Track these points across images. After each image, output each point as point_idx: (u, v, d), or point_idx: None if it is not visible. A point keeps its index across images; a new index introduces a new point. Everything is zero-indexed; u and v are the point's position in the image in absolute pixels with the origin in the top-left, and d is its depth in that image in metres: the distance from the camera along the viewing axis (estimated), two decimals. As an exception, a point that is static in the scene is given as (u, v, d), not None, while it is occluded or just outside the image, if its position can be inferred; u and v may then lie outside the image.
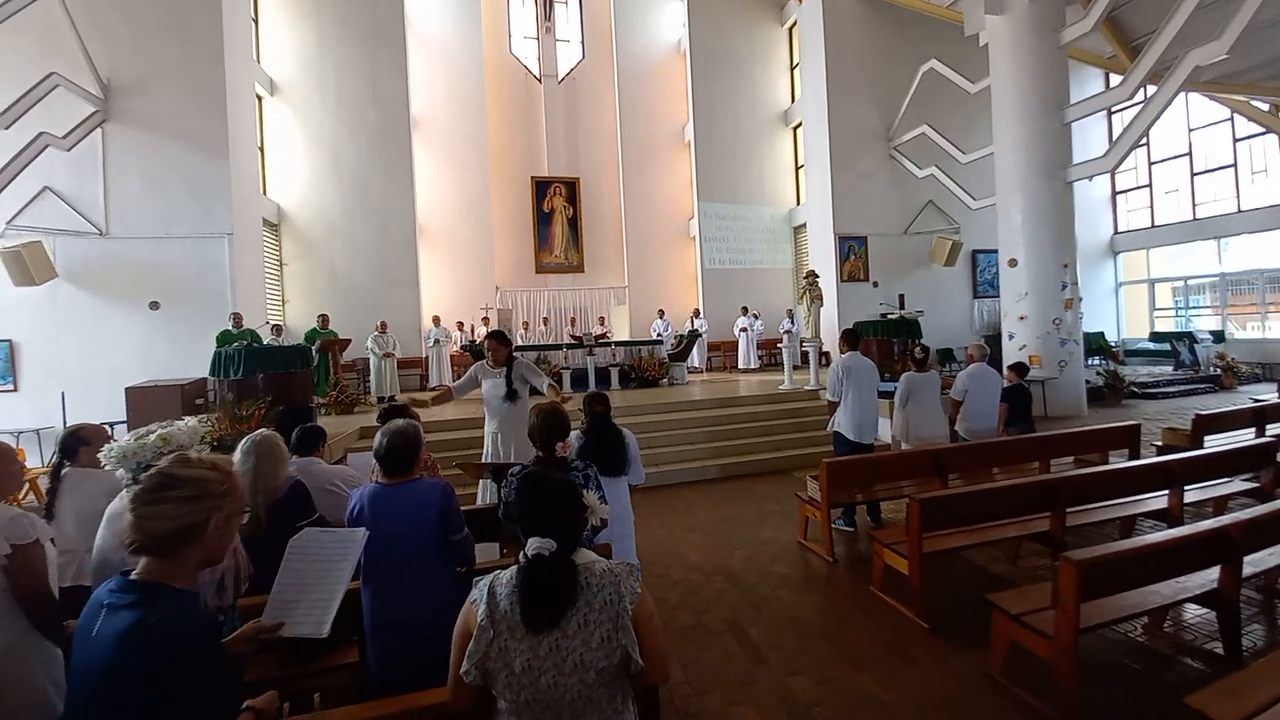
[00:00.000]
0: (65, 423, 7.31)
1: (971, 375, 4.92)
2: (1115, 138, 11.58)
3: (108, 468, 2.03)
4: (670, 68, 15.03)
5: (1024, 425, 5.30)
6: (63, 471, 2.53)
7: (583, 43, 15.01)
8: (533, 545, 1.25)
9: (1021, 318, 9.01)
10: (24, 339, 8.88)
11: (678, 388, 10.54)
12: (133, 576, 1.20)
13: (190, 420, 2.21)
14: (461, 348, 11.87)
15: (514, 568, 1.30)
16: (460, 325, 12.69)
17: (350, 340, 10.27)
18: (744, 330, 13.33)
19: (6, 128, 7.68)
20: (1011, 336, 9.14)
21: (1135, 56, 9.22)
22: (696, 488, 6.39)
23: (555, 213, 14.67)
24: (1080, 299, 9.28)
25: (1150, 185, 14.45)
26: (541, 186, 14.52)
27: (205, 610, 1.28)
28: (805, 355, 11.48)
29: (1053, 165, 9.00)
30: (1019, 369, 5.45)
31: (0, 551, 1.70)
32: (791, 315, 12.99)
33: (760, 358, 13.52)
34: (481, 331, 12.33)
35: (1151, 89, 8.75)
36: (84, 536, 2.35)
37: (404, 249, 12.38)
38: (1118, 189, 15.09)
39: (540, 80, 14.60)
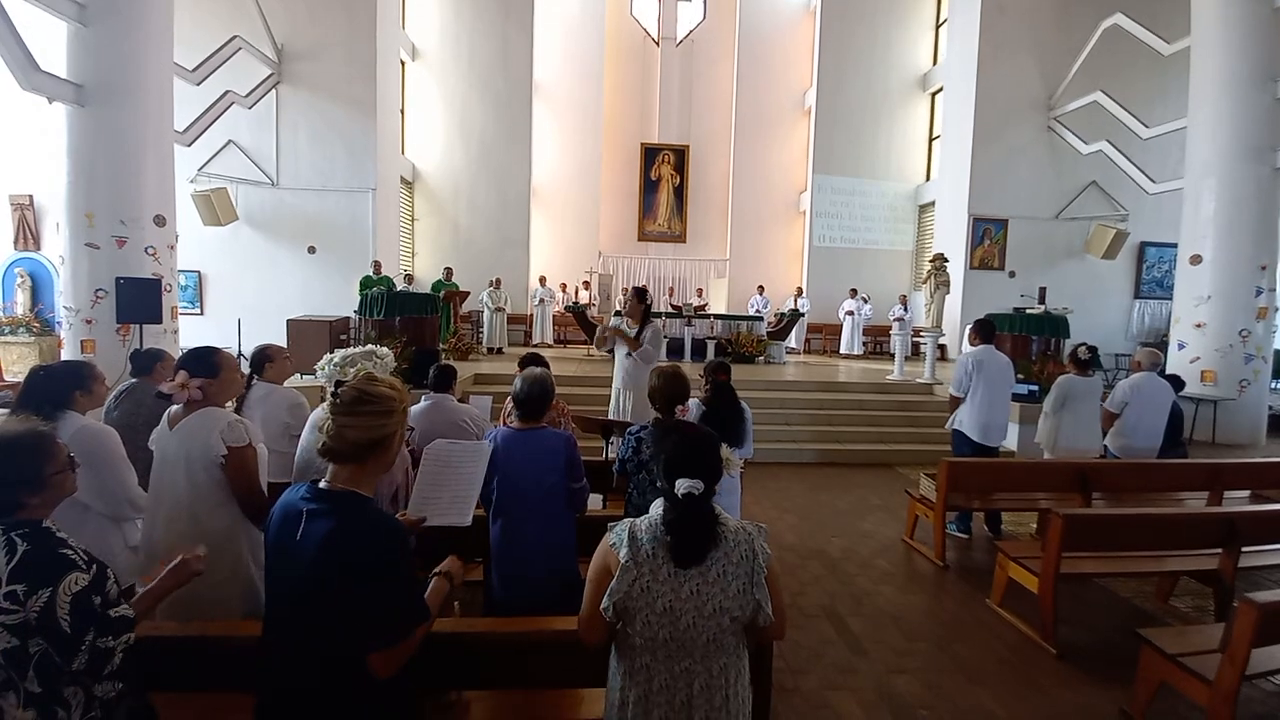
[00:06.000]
0: (240, 346, 8.53)
1: (1136, 386, 4.30)
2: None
3: (321, 382, 2.36)
4: (796, 28, 14.13)
5: (1176, 450, 4.60)
6: (252, 383, 2.94)
7: (705, 1, 14.47)
8: (683, 485, 1.32)
9: (1198, 325, 7.72)
10: (211, 272, 10.45)
11: (774, 366, 10.27)
12: (323, 485, 1.31)
13: (389, 353, 2.48)
14: (565, 308, 12.32)
15: (650, 514, 1.37)
16: (564, 287, 13.15)
17: (469, 293, 11.01)
18: (850, 314, 12.62)
19: (198, 84, 8.83)
20: (1182, 346, 7.89)
21: None
22: (792, 469, 6.26)
23: (662, 180, 14.56)
24: (1277, 309, 7.80)
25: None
26: (650, 153, 14.42)
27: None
28: (917, 346, 10.72)
29: (1260, 146, 7.54)
30: (1174, 383, 4.70)
31: (219, 452, 1.99)
32: (905, 301, 12.09)
33: (865, 344, 12.78)
34: (584, 295, 12.70)
35: None
36: (267, 440, 2.74)
37: (518, 211, 12.94)
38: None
39: (658, 43, 14.33)
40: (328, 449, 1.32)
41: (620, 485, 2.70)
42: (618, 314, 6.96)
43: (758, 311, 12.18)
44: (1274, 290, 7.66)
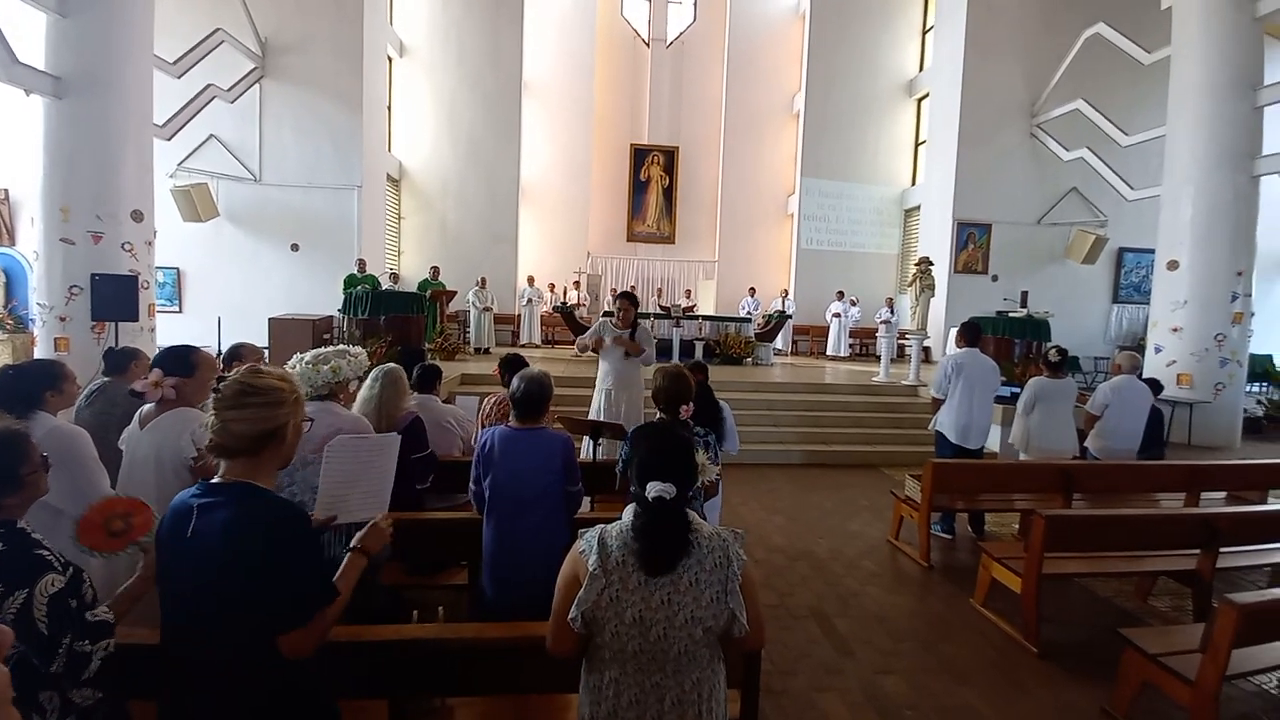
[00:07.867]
0: (220, 344, 8.35)
1: (1116, 389, 4.38)
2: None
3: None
4: (785, 32, 14.22)
5: (1154, 451, 4.69)
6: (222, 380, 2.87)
7: (695, 3, 14.51)
8: (654, 489, 1.26)
9: (1175, 329, 7.89)
10: (190, 269, 10.23)
11: (762, 368, 10.32)
12: (215, 480, 1.29)
13: (362, 352, 2.41)
14: (553, 309, 12.27)
15: (622, 520, 1.32)
16: (552, 287, 13.08)
17: (456, 292, 10.91)
18: (837, 316, 12.72)
19: (178, 77, 8.61)
20: (1159, 350, 8.04)
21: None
22: (780, 470, 6.28)
23: (651, 181, 14.56)
24: (1252, 314, 7.99)
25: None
26: (640, 154, 14.41)
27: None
28: (902, 348, 10.83)
29: (1239, 154, 7.70)
30: (1153, 386, 4.80)
31: (189, 454, 1.96)
32: (891, 304, 12.21)
33: (851, 346, 12.89)
34: (573, 295, 12.65)
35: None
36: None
37: (507, 210, 12.85)
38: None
39: (648, 44, 14.33)
40: (215, 445, 1.28)
41: (623, 488, 2.69)
42: (607, 314, 6.94)
43: (749, 313, 12.23)
44: (1249, 295, 7.83)
